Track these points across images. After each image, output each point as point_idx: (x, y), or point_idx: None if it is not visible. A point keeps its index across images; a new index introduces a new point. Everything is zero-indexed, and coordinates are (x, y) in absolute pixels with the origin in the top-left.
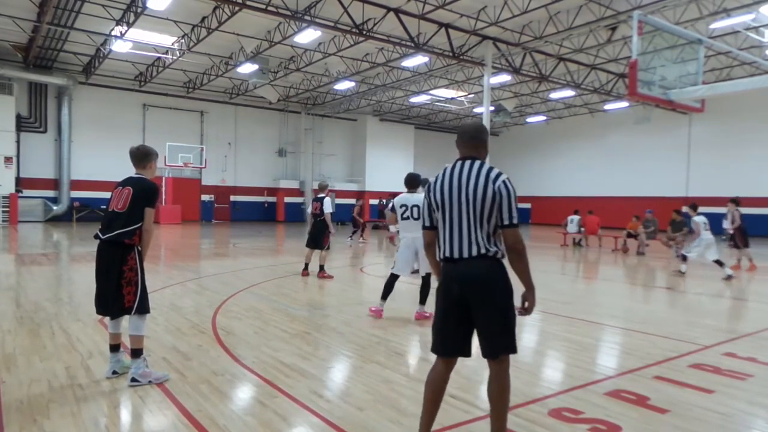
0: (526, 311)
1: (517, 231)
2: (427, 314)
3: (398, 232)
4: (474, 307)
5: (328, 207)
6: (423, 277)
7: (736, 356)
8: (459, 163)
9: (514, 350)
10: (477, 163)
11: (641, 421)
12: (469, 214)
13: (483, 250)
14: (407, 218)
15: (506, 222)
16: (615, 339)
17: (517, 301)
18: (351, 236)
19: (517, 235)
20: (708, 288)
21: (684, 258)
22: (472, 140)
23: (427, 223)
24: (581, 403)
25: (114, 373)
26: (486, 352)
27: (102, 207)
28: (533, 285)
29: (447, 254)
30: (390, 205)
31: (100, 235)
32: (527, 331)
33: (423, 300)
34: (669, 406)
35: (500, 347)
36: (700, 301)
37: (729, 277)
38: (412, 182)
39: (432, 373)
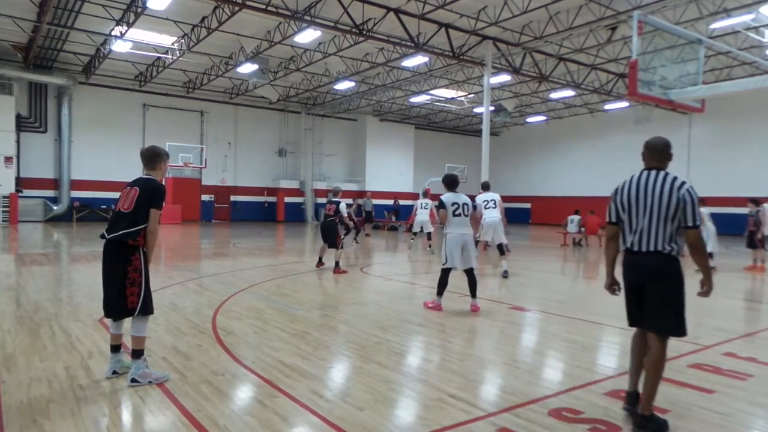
0: (705, 294)
1: (698, 231)
2: (478, 306)
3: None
4: (645, 292)
5: (344, 211)
6: (466, 271)
7: (736, 356)
8: (645, 173)
9: (682, 334)
10: (662, 173)
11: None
12: (654, 216)
13: (659, 247)
14: (459, 215)
15: (690, 224)
16: (615, 339)
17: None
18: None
19: (699, 235)
20: None
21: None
22: (660, 154)
23: (614, 219)
24: (581, 403)
25: (114, 373)
26: (653, 328)
27: (102, 207)
28: (710, 274)
29: (629, 246)
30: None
31: (106, 234)
32: (527, 331)
33: (473, 293)
34: (669, 406)
35: (667, 328)
36: (700, 301)
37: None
38: (453, 183)
39: (633, 338)
